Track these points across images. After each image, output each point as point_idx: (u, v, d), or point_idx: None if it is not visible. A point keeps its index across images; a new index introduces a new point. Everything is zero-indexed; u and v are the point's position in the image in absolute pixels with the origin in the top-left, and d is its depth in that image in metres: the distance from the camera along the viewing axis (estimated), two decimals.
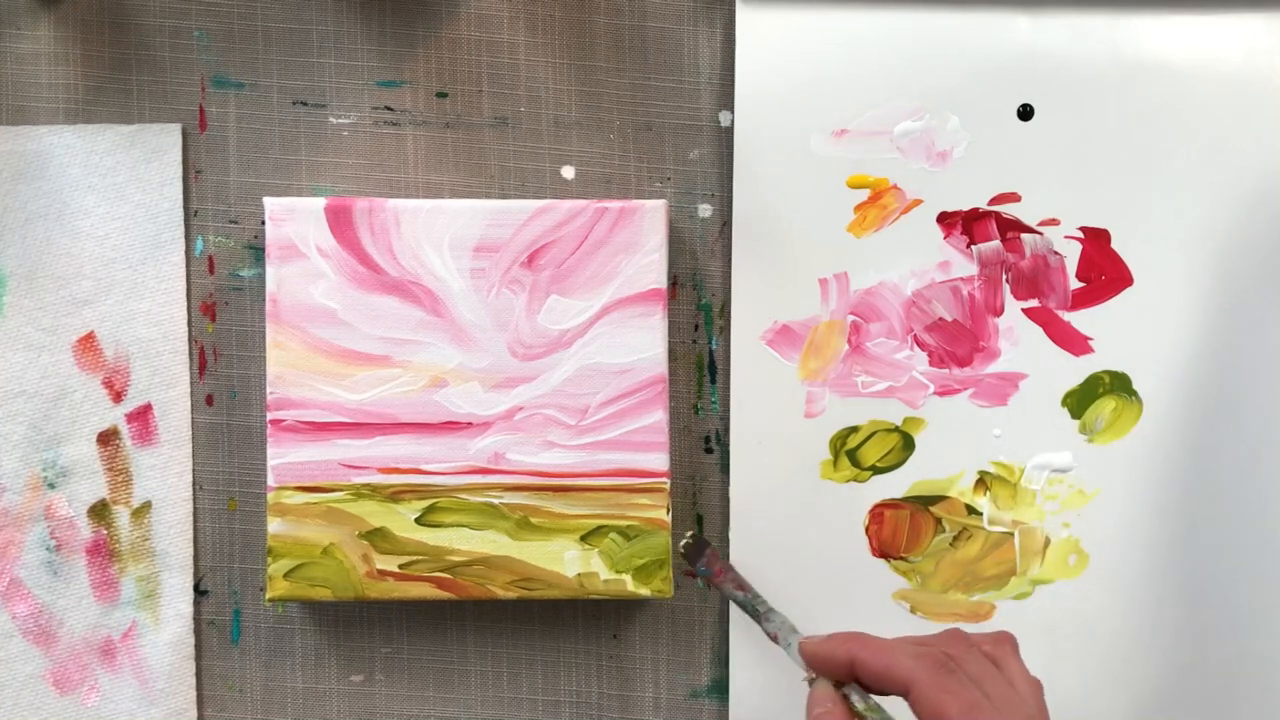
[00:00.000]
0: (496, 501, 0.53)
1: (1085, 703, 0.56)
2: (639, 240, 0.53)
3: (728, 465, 0.56)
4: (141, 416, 0.56)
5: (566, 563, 0.53)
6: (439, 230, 0.53)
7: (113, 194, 0.56)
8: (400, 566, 0.54)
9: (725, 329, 0.56)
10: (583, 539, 0.53)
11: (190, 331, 0.57)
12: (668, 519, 0.53)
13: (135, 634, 0.56)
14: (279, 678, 0.57)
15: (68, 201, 0.56)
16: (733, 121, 0.55)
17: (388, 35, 0.56)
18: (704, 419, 0.56)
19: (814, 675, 0.47)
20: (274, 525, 0.54)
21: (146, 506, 0.56)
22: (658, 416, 0.53)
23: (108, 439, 0.56)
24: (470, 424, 0.54)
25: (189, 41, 0.56)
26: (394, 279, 0.54)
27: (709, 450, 0.56)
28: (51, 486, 0.56)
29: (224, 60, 0.56)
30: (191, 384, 0.57)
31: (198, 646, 0.57)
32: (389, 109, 0.57)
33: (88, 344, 0.56)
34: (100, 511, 0.56)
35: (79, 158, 0.56)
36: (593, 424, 0.53)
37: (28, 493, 0.56)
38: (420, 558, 0.54)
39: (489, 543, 0.53)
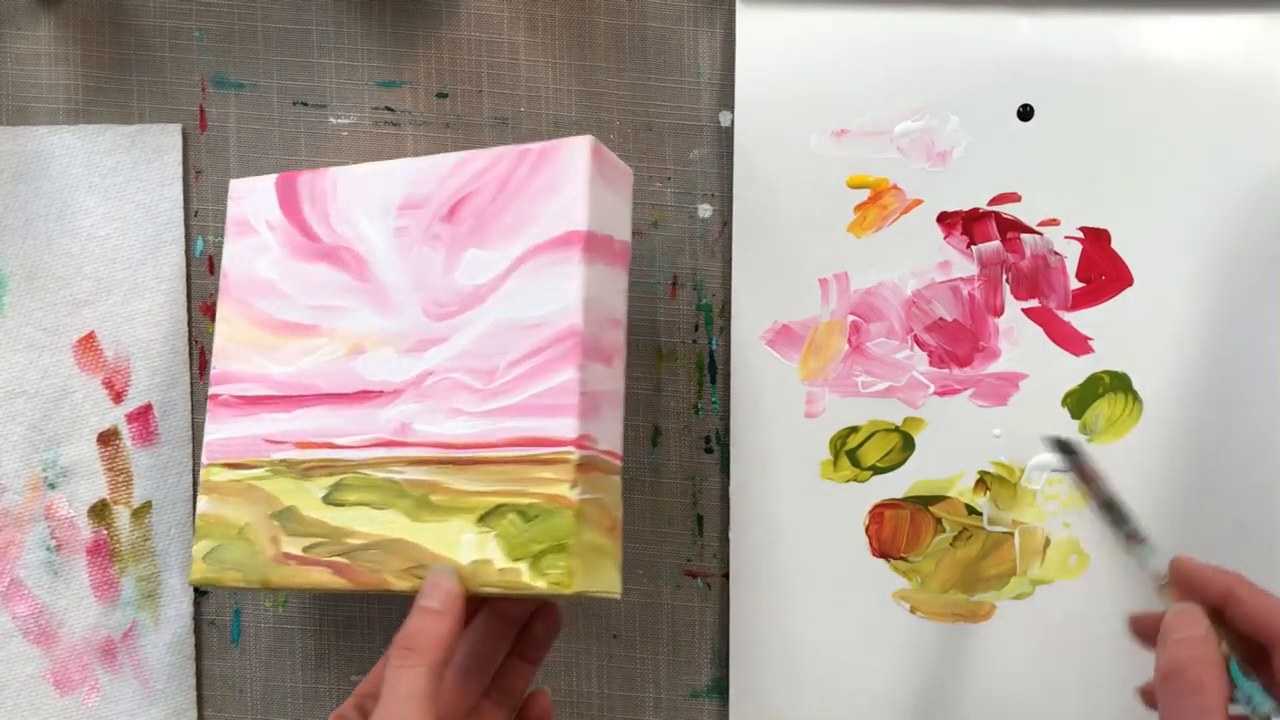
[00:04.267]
0: (398, 478, 0.48)
1: (1085, 702, 0.56)
2: (559, 180, 0.47)
3: (728, 465, 0.56)
4: (141, 416, 0.56)
5: (462, 548, 0.46)
6: (372, 193, 0.51)
7: (113, 194, 0.56)
8: (304, 550, 0.49)
9: (725, 329, 0.56)
10: (480, 520, 0.46)
11: (190, 331, 0.57)
12: (573, 496, 0.45)
13: (135, 634, 0.56)
14: (279, 678, 0.57)
15: (68, 201, 0.56)
16: (733, 121, 0.55)
17: (388, 35, 0.56)
18: (704, 419, 0.56)
19: (1166, 594, 0.45)
20: (202, 504, 0.51)
21: (146, 506, 0.56)
22: (568, 375, 0.46)
23: (108, 439, 0.56)
24: (382, 392, 0.49)
25: (189, 41, 0.56)
26: (328, 246, 0.51)
27: (709, 450, 0.56)
28: (52, 486, 0.56)
29: (224, 60, 0.57)
30: (191, 384, 0.57)
31: (198, 646, 0.57)
32: (389, 109, 0.57)
33: (88, 344, 0.56)
34: (100, 511, 0.56)
35: (79, 158, 0.56)
36: (501, 387, 0.47)
37: (28, 493, 0.56)
38: (322, 540, 0.49)
39: (387, 524, 0.48)
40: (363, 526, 0.48)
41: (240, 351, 0.52)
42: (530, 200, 0.48)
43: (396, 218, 0.50)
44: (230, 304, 0.53)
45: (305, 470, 0.50)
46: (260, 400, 0.51)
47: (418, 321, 0.49)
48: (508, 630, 0.48)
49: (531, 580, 0.44)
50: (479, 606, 0.48)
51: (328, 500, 0.49)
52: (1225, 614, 0.43)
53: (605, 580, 0.46)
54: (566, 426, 0.45)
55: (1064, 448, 0.51)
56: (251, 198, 0.53)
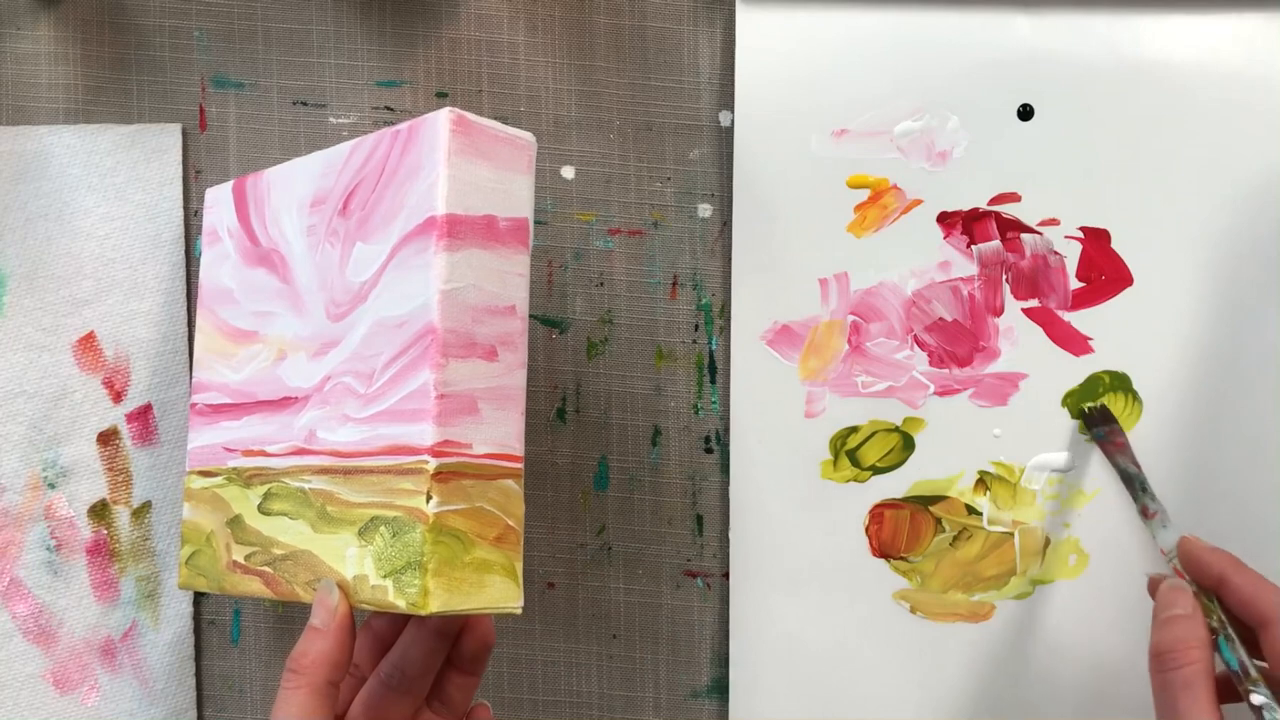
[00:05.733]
0: (306, 487, 0.45)
1: (1085, 702, 0.56)
2: (421, 162, 0.43)
3: (728, 465, 0.56)
4: (141, 416, 0.56)
5: (347, 561, 0.43)
6: (292, 191, 0.48)
7: (113, 194, 0.56)
8: (245, 558, 0.48)
9: (725, 329, 0.56)
10: (360, 533, 0.43)
11: (190, 331, 0.57)
12: (429, 509, 0.41)
13: (135, 634, 0.56)
14: (279, 678, 0.57)
15: (68, 201, 0.56)
16: (733, 121, 0.55)
17: (388, 35, 0.56)
18: (704, 419, 0.56)
19: (1173, 573, 0.48)
20: (185, 510, 0.52)
21: (146, 506, 0.56)
22: (424, 379, 0.41)
23: (108, 439, 0.56)
24: (296, 399, 0.47)
25: (189, 41, 0.56)
26: (265, 249, 0.49)
27: (709, 450, 0.56)
28: (52, 486, 0.56)
29: (224, 60, 0.56)
30: (191, 384, 0.57)
31: (198, 646, 0.57)
32: (389, 109, 0.57)
33: (88, 344, 0.56)
34: (100, 511, 0.56)
35: (79, 158, 0.56)
36: (376, 391, 0.43)
37: (28, 493, 0.56)
38: (256, 549, 0.47)
39: (297, 534, 0.45)
40: (283, 536, 0.46)
41: (209, 360, 0.52)
42: (400, 185, 0.43)
43: (308, 215, 0.47)
44: (203, 313, 0.53)
45: (249, 478, 0.48)
46: (221, 408, 0.51)
47: (321, 324, 0.46)
48: (437, 643, 0.45)
49: (394, 599, 0.41)
50: (406, 619, 0.46)
51: (260, 509, 0.47)
52: (1220, 595, 0.46)
53: (493, 595, 0.42)
54: (423, 433, 0.41)
55: (1100, 415, 0.54)
56: (218, 206, 0.53)
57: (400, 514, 0.41)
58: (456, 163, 0.42)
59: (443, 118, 0.42)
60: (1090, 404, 0.54)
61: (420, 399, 0.41)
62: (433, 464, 0.40)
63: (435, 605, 0.40)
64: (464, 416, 0.41)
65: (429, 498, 0.40)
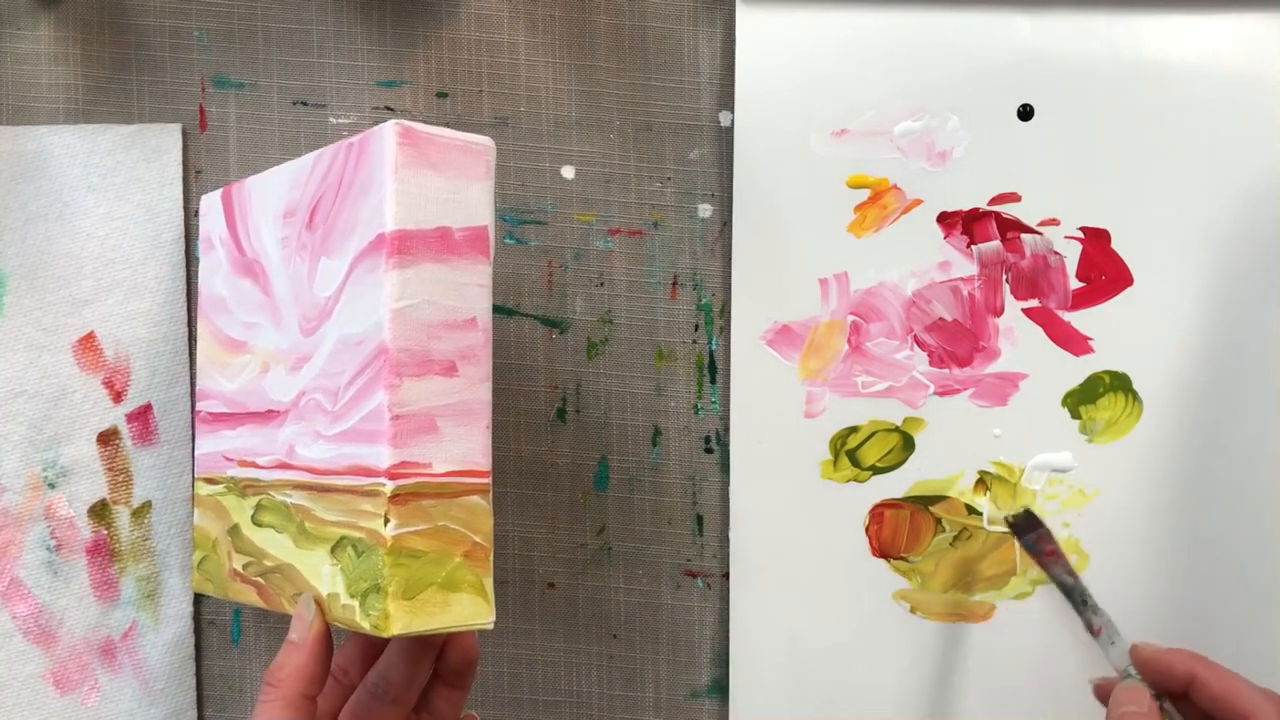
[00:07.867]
0: (288, 501, 0.45)
1: (1085, 702, 0.56)
2: (371, 176, 0.42)
3: (728, 465, 0.56)
4: (141, 416, 0.56)
5: (323, 579, 0.43)
6: (268, 201, 0.48)
7: (113, 194, 0.56)
8: (243, 567, 0.48)
9: (725, 329, 0.56)
10: (332, 551, 0.43)
11: (190, 331, 0.57)
12: (386, 532, 0.40)
13: (135, 634, 0.56)
14: None
15: (68, 201, 0.56)
16: (733, 121, 0.55)
17: (388, 35, 0.56)
18: (704, 419, 0.56)
19: (1131, 677, 0.47)
20: (195, 516, 0.53)
21: (146, 506, 0.56)
22: (379, 400, 0.40)
23: (108, 439, 0.56)
24: (278, 412, 0.47)
25: (189, 41, 0.56)
26: (249, 259, 0.49)
27: (709, 450, 0.56)
28: (52, 486, 0.56)
29: (224, 60, 0.57)
30: (191, 384, 0.57)
31: (198, 646, 0.57)
32: (389, 109, 0.57)
33: (88, 344, 0.56)
34: (100, 511, 0.56)
35: (79, 158, 0.56)
36: (341, 409, 0.42)
37: (28, 493, 0.56)
38: (251, 559, 0.48)
39: (282, 547, 0.46)
40: (270, 549, 0.46)
41: (209, 369, 0.52)
42: (355, 201, 0.42)
43: (282, 227, 0.47)
44: (203, 320, 0.53)
45: (244, 488, 0.49)
46: (221, 417, 0.51)
47: (296, 338, 0.46)
48: (418, 656, 0.45)
49: (360, 620, 0.40)
50: None
51: (253, 520, 0.48)
52: (1190, 695, 0.45)
53: (460, 614, 0.41)
54: (379, 455, 0.40)
55: (1026, 522, 0.52)
56: (211, 214, 0.53)
57: (363, 535, 0.41)
58: (405, 176, 0.40)
59: (388, 130, 0.41)
60: (1013, 513, 0.52)
61: (376, 420, 0.40)
62: (389, 487, 0.40)
63: (397, 628, 0.39)
64: (422, 436, 0.41)
65: (386, 521, 0.40)
